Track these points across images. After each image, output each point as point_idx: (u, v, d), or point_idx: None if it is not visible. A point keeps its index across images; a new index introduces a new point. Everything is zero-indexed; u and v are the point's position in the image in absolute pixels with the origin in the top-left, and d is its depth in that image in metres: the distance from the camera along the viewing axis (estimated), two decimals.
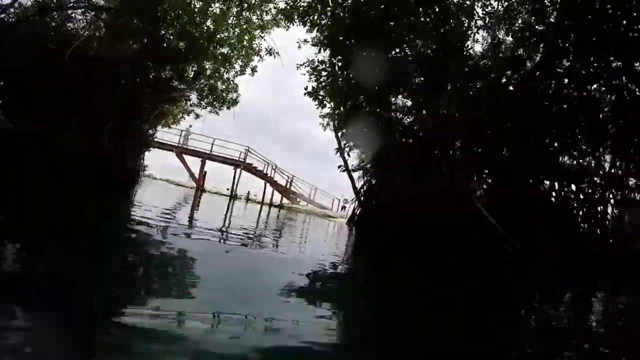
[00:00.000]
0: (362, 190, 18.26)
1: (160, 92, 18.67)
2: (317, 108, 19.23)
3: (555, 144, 12.13)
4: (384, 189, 14.14)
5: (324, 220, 28.44)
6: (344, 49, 14.62)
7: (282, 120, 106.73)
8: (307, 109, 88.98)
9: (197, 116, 24.44)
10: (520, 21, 14.31)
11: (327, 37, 15.65)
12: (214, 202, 21.52)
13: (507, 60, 13.16)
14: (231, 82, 22.71)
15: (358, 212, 19.00)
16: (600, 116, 11.71)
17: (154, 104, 19.01)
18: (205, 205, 17.66)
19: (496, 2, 14.92)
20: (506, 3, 14.88)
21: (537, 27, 12.97)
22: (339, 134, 19.20)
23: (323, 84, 17.37)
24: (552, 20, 12.69)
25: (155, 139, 26.61)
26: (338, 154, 19.09)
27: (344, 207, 42.25)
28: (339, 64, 15.87)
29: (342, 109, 16.97)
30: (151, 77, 17.80)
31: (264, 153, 34.50)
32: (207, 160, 32.32)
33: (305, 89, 18.12)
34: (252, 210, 21.30)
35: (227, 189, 33.35)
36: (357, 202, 18.98)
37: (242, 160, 32.58)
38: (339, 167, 19.36)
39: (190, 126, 32.82)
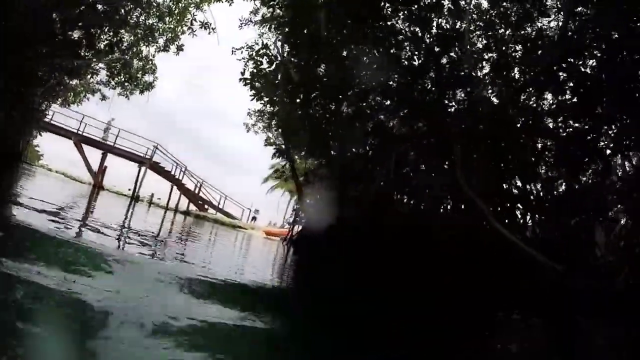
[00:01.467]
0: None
1: (62, 57, 15.00)
2: (252, 99, 16.77)
3: None
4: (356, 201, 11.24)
5: (236, 233, 25.86)
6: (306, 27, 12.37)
7: (194, 122, 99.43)
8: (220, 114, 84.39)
9: (104, 97, 20.63)
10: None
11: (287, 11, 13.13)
12: (109, 204, 17.89)
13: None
14: (150, 62, 19.40)
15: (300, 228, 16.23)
16: None
17: (51, 71, 15.27)
18: (98, 207, 14.25)
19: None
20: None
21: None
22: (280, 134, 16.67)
23: (264, 71, 14.96)
24: None
25: (50, 121, 22.26)
26: (278, 156, 16.50)
27: (254, 218, 40.01)
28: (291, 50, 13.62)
29: (289, 102, 14.44)
30: (57, 34, 14.11)
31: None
32: (108, 154, 27.83)
33: (242, 73, 15.62)
34: (155, 216, 18.01)
35: (129, 189, 29.21)
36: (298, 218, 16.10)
37: (149, 157, 28.72)
38: (278, 171, 16.93)
39: (113, 119, 28.80)
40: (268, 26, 15.30)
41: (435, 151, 10.59)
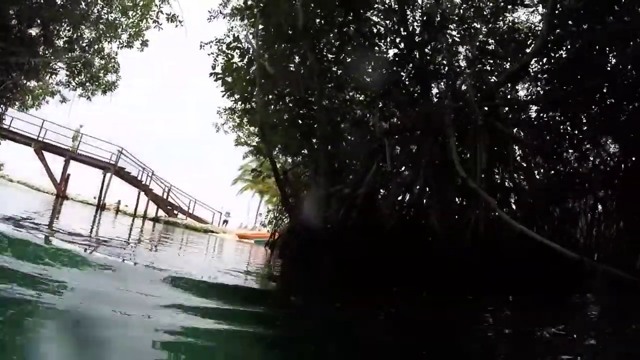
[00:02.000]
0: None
1: (19, 55, 13.98)
2: (224, 96, 16.10)
3: None
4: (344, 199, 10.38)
5: (208, 237, 25.03)
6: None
7: (161, 121, 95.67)
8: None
9: (64, 99, 19.44)
10: None
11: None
12: (73, 213, 16.83)
13: None
14: (112, 60, 18.43)
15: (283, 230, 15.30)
16: None
17: (6, 70, 14.23)
18: (62, 216, 13.31)
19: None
20: None
21: None
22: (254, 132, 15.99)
23: (236, 65, 14.30)
24: None
25: (7, 127, 20.93)
26: (255, 154, 15.80)
27: (225, 222, 39.07)
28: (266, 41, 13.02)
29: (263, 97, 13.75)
30: (12, 30, 13.11)
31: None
32: (71, 161, 26.37)
33: (213, 67, 14.94)
34: (121, 224, 17.06)
35: (94, 197, 27.87)
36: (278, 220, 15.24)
37: (114, 163, 27.47)
38: (254, 170, 16.27)
39: (81, 126, 27.20)
40: (240, 17, 14.63)
41: (427, 145, 10.11)
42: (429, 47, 12.28)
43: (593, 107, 10.92)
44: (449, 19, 12.20)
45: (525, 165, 11.19)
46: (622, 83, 9.87)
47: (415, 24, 12.65)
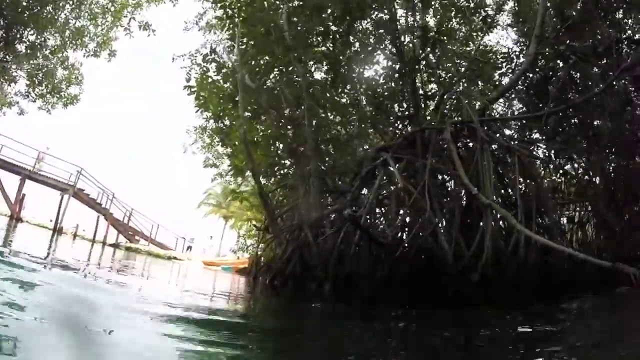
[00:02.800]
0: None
1: None
2: (198, 111, 15.08)
3: None
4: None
5: (172, 264, 23.37)
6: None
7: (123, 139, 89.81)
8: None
9: (21, 112, 17.89)
10: None
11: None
12: (28, 237, 15.00)
13: None
14: (75, 70, 17.14)
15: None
16: None
17: None
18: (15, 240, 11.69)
19: None
20: None
21: None
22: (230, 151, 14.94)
23: (211, 79, 13.34)
24: None
25: None
26: (233, 175, 14.62)
27: (189, 248, 37.18)
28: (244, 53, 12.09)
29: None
30: None
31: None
32: (27, 180, 24.19)
33: (187, 80, 13.95)
34: (79, 250, 15.39)
35: (51, 220, 25.78)
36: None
37: (72, 184, 25.56)
38: (234, 192, 15.14)
39: (48, 148, 25.32)
40: (220, 27, 13.74)
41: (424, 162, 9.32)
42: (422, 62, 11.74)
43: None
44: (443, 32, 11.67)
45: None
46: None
47: (408, 37, 12.09)
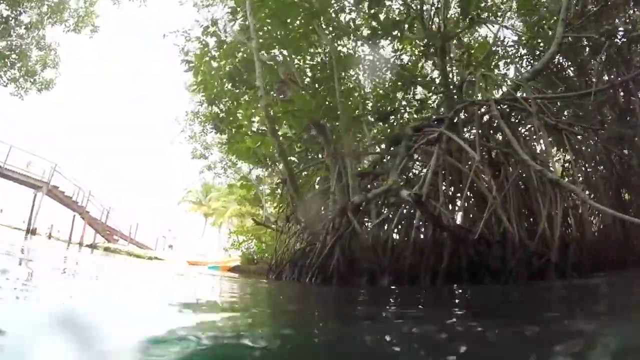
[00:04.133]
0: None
1: None
2: (194, 91, 13.64)
3: None
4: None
5: (158, 265, 21.69)
6: None
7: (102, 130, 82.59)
8: None
9: None
10: None
11: None
12: None
13: None
14: (52, 51, 15.39)
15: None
16: None
17: None
18: None
19: None
20: None
21: None
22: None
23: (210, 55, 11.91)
24: None
25: None
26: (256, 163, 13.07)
27: (171, 246, 35.39)
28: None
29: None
30: None
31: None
32: None
33: (185, 53, 12.51)
34: (53, 253, 13.54)
35: (24, 222, 23.74)
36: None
37: (46, 181, 23.58)
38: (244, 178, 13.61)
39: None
40: None
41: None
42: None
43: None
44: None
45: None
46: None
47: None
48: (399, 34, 10.32)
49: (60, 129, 70.59)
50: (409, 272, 7.20)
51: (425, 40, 10.45)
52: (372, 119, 11.18)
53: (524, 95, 9.67)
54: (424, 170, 9.38)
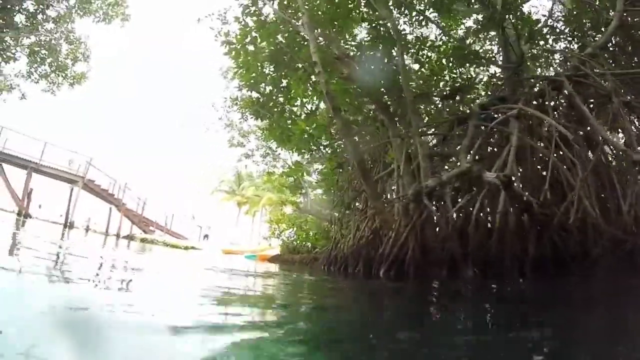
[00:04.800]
0: None
1: None
2: (235, 74, 12.94)
3: None
4: None
5: (194, 254, 21.48)
6: None
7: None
8: None
9: (23, 96, 15.68)
10: None
11: None
12: (37, 233, 12.65)
13: None
14: (82, 44, 14.94)
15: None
16: None
17: None
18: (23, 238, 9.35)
19: None
20: None
21: None
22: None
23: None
24: None
25: None
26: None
27: (206, 236, 35.29)
28: None
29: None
30: None
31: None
32: (33, 173, 21.94)
33: (226, 34, 11.67)
34: (93, 244, 13.22)
35: (61, 215, 23.74)
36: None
37: (82, 175, 23.48)
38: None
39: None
40: None
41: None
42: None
43: None
44: None
45: None
46: None
47: None
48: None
49: (93, 120, 69.62)
50: (494, 262, 6.55)
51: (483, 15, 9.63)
52: (438, 98, 10.34)
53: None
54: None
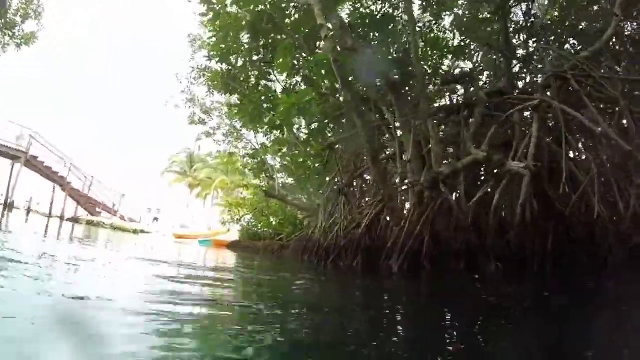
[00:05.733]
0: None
1: None
2: (212, 37, 11.61)
3: None
4: None
5: (143, 238, 20.24)
6: None
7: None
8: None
9: None
10: None
11: None
12: None
13: None
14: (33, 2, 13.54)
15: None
16: None
17: None
18: None
19: None
20: None
21: None
22: None
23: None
24: None
25: None
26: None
27: (156, 219, 33.56)
28: None
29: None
30: None
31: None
32: None
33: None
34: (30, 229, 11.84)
35: (1, 194, 21.79)
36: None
37: (25, 150, 21.54)
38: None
39: None
40: None
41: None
42: None
43: None
44: None
45: None
46: None
47: None
48: None
49: (39, 87, 63.97)
50: (515, 256, 6.19)
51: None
52: (440, 83, 9.80)
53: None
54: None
